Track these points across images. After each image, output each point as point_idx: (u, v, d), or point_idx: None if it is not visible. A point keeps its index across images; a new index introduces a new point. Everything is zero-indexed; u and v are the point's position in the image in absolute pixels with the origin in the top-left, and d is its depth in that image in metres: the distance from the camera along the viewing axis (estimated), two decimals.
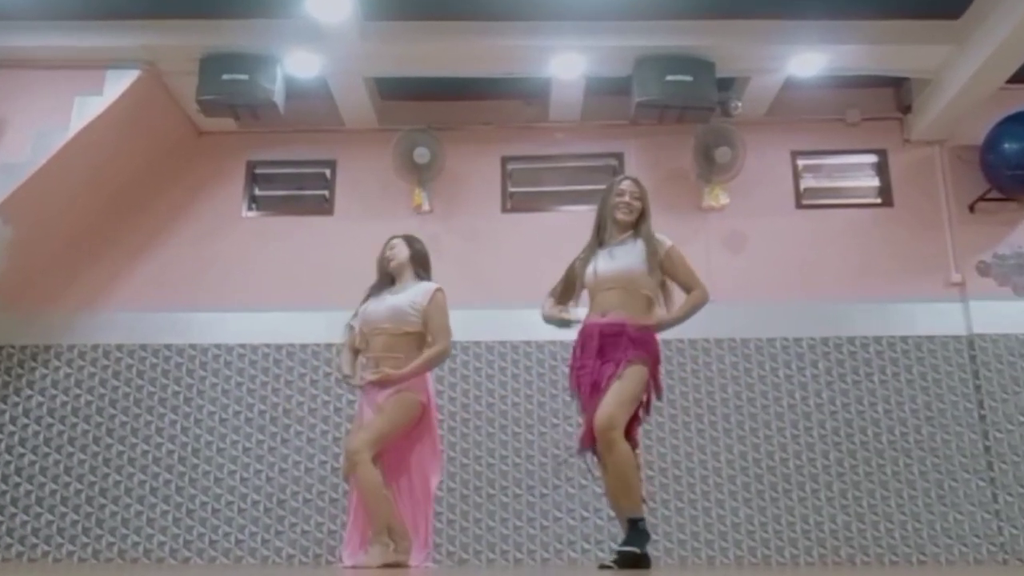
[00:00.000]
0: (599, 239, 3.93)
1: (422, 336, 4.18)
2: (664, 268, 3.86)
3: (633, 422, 3.71)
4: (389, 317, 4.16)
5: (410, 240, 4.41)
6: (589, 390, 3.68)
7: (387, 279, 4.35)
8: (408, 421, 4.05)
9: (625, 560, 3.48)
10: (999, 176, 6.03)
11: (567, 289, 4.05)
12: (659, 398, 3.84)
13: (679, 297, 3.94)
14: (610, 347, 3.68)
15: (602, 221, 3.95)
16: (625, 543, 3.54)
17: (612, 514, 3.97)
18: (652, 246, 3.80)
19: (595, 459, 3.74)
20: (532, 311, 5.15)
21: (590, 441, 3.64)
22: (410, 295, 4.20)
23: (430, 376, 4.24)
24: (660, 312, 3.85)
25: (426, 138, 6.24)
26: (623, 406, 3.58)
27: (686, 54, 5.69)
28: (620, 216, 3.88)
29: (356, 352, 4.35)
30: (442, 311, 4.19)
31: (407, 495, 4.06)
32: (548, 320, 4.03)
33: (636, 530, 3.55)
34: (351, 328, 4.30)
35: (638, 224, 3.89)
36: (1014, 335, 5.95)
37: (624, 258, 3.81)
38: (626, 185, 3.94)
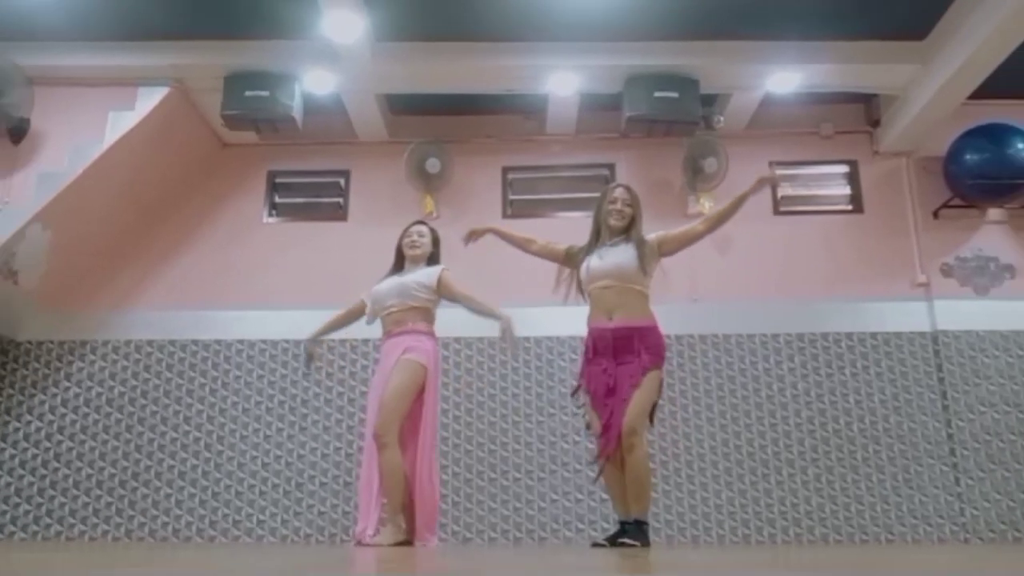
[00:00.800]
0: (595, 242, 3.91)
1: (428, 311, 4.13)
2: (665, 251, 3.85)
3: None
4: (395, 294, 4.11)
5: (435, 238, 4.34)
6: (604, 391, 3.65)
7: (400, 263, 4.29)
8: (413, 384, 3.95)
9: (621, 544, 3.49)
10: (961, 185, 6.04)
11: (564, 259, 3.99)
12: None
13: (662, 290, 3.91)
14: (623, 350, 3.67)
15: (598, 226, 3.92)
16: (628, 536, 3.54)
17: (604, 496, 3.96)
18: (644, 250, 3.76)
19: (604, 464, 3.72)
20: (531, 309, 5.17)
21: (616, 446, 3.60)
22: (417, 275, 4.16)
23: (437, 348, 4.14)
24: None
25: (437, 149, 6.25)
26: (643, 414, 3.62)
27: (673, 72, 5.70)
28: (613, 222, 3.85)
29: (345, 320, 4.33)
30: (455, 282, 4.15)
31: (417, 466, 3.97)
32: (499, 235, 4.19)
33: (640, 530, 3.56)
34: (368, 296, 4.26)
35: (630, 229, 3.86)
36: (975, 331, 5.96)
37: (615, 257, 3.77)
38: (618, 192, 3.91)
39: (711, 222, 3.89)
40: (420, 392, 4.00)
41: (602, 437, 3.66)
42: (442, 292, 4.13)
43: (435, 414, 4.12)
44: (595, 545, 3.70)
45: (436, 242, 4.34)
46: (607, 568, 2.12)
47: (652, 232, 3.91)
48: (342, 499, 5.74)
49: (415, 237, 4.28)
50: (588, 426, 3.87)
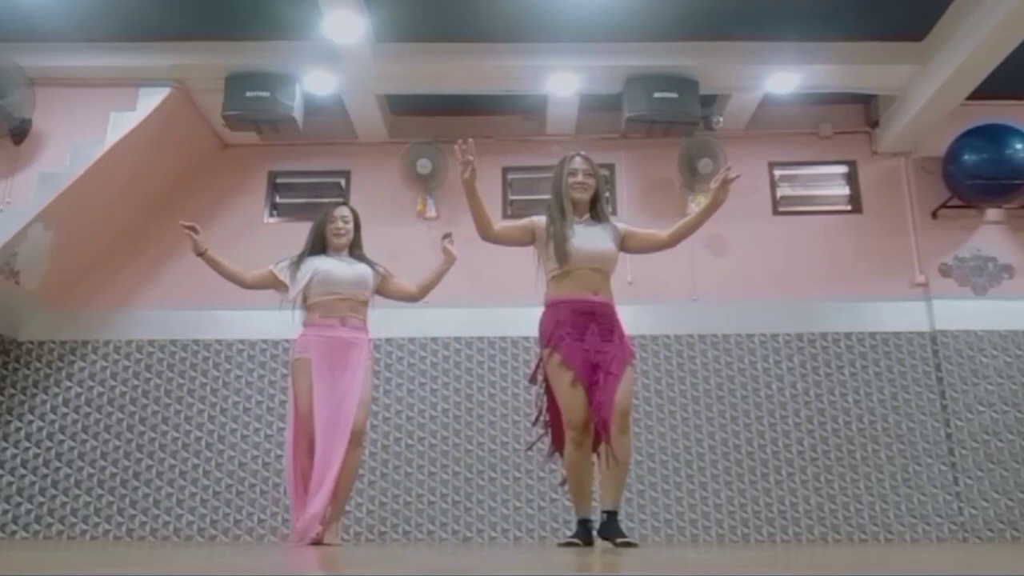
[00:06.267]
0: (562, 219, 3.58)
1: (367, 306, 4.25)
2: (626, 247, 3.71)
3: None
4: (353, 284, 4.15)
5: (358, 223, 4.33)
6: (589, 368, 3.44)
7: (319, 247, 4.23)
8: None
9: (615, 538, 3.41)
10: (960, 185, 6.04)
11: (534, 238, 3.67)
12: None
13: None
14: (606, 329, 3.52)
15: (561, 201, 3.60)
16: (612, 532, 3.40)
17: None
18: (619, 241, 3.68)
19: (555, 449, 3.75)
20: (530, 309, 5.15)
21: (602, 420, 3.37)
22: (365, 271, 4.22)
23: None
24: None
25: (429, 150, 6.24)
26: (631, 398, 3.57)
27: (672, 73, 5.70)
28: (576, 195, 3.61)
29: (237, 276, 4.31)
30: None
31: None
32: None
33: (615, 521, 3.45)
34: (287, 270, 4.21)
35: (594, 204, 3.67)
36: (973, 331, 5.96)
37: (598, 242, 3.59)
38: (578, 163, 3.63)
39: (676, 235, 3.68)
40: None
41: (593, 415, 3.39)
42: (382, 287, 4.29)
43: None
44: (562, 544, 3.55)
45: (358, 227, 4.33)
46: (607, 567, 2.12)
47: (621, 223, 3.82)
48: None
49: (340, 224, 4.23)
50: (541, 413, 3.75)
